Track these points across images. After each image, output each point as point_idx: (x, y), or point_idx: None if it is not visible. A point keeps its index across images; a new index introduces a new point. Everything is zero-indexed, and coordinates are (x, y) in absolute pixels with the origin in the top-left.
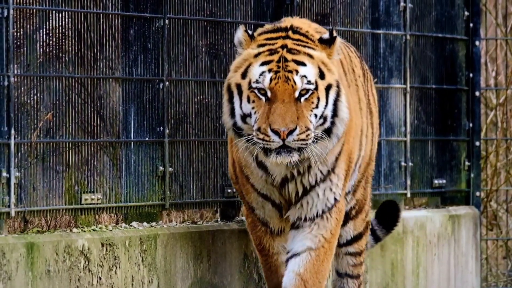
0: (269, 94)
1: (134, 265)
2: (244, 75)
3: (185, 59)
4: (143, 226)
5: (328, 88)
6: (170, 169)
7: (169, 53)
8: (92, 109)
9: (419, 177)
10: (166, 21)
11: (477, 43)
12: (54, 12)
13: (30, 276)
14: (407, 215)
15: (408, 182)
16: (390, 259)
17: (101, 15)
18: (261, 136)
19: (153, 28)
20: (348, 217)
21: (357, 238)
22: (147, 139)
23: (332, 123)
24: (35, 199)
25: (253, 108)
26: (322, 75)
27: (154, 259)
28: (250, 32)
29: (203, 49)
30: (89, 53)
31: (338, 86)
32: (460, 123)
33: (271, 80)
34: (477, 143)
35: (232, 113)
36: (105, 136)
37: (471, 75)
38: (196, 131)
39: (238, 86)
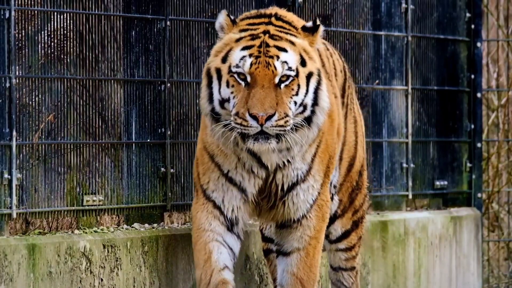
0: (248, 79)
1: (135, 267)
2: (224, 60)
3: (187, 60)
4: (145, 227)
5: (309, 76)
6: (172, 170)
7: (170, 55)
8: (93, 111)
9: (420, 179)
10: (168, 23)
11: (478, 44)
12: (55, 13)
13: (32, 278)
14: (408, 216)
15: (410, 183)
16: (391, 260)
17: (102, 16)
18: (239, 120)
19: (155, 29)
20: (335, 216)
21: (345, 235)
22: (148, 140)
23: (313, 111)
24: (36, 201)
25: (232, 92)
26: (303, 63)
27: (155, 260)
28: (232, 17)
29: (204, 51)
30: (90, 54)
31: (319, 75)
32: (462, 124)
33: (251, 65)
34: (479, 145)
35: (211, 98)
36: (107, 138)
37: (472, 76)
38: (198, 133)
39: (218, 71)
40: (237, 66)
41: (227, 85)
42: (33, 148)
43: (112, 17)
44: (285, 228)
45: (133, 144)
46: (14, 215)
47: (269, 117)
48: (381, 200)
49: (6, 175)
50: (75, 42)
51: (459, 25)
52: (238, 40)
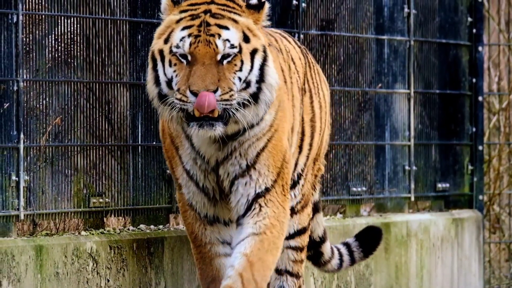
0: (189, 58)
1: (141, 268)
2: (166, 41)
3: None
4: (151, 229)
5: (253, 52)
6: None
7: None
8: (100, 114)
9: (423, 181)
10: None
11: (480, 48)
12: (63, 18)
13: (39, 278)
14: (411, 218)
15: (412, 185)
16: (394, 262)
17: (109, 21)
18: (178, 96)
19: None
20: (293, 212)
21: (300, 232)
22: (154, 143)
23: (258, 88)
24: (44, 202)
25: (174, 71)
26: (246, 39)
27: (161, 261)
28: None
29: None
30: (97, 58)
31: (264, 51)
32: (464, 127)
33: (190, 44)
34: (480, 147)
35: (157, 81)
36: (113, 140)
37: (474, 80)
38: None
39: (161, 52)
40: (177, 46)
41: (170, 65)
42: (41, 151)
43: (118, 21)
44: (242, 224)
45: (139, 147)
46: (22, 217)
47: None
48: (384, 202)
49: (13, 177)
50: (82, 46)
51: (461, 29)
52: (178, 21)
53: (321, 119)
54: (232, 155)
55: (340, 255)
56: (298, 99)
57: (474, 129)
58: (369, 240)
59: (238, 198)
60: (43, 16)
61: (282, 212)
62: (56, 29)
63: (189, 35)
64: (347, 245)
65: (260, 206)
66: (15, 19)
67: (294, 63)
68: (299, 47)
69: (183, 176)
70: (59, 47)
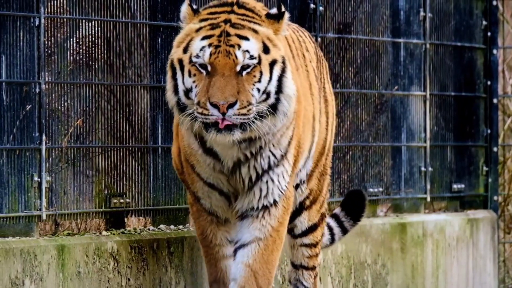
0: (209, 68)
1: (161, 267)
2: (185, 50)
3: None
4: (171, 229)
5: (272, 63)
6: None
7: None
8: (121, 116)
9: (438, 182)
10: None
11: (494, 51)
12: (84, 21)
13: (61, 277)
14: (427, 218)
15: (428, 186)
16: (410, 261)
17: (129, 24)
18: (200, 110)
19: None
20: (302, 207)
21: (312, 229)
22: None
23: (277, 99)
24: (65, 203)
25: (194, 82)
26: (266, 50)
27: (181, 261)
28: (195, 6)
29: None
30: (118, 61)
31: (283, 62)
32: (478, 129)
33: (211, 55)
34: (495, 149)
35: (176, 90)
36: (134, 142)
37: (489, 82)
38: None
39: (180, 61)
40: (197, 56)
41: (189, 75)
42: (62, 152)
43: (138, 24)
44: (246, 218)
45: (159, 148)
46: (44, 217)
47: (230, 106)
48: (400, 203)
49: (36, 178)
50: (103, 49)
51: (476, 32)
52: (198, 30)
53: (327, 114)
54: (265, 148)
55: (330, 228)
56: (316, 88)
57: (489, 131)
58: (354, 205)
59: (269, 189)
60: (65, 19)
61: (290, 204)
62: (77, 32)
63: (209, 45)
64: (335, 216)
65: (275, 204)
66: (37, 22)
67: (308, 51)
68: (312, 42)
69: (204, 189)
70: (81, 50)
